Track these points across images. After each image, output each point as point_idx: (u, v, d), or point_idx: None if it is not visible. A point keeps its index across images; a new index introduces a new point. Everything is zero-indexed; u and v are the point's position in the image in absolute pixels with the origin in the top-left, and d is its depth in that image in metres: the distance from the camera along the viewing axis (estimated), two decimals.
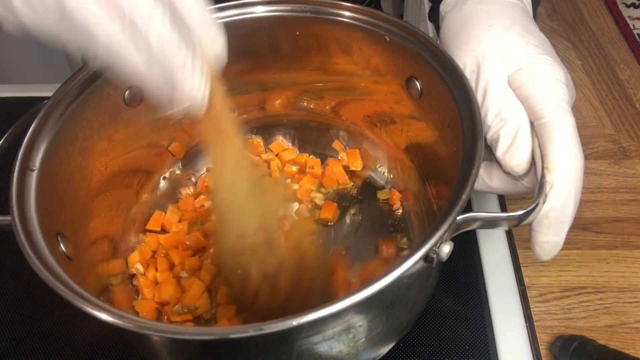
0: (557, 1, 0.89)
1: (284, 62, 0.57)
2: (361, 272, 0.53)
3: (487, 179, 0.45)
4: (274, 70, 0.58)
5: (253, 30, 0.54)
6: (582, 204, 0.60)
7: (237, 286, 0.47)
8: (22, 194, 0.40)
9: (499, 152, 0.43)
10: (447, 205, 0.37)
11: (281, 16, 0.53)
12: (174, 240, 0.55)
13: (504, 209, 0.60)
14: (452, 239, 0.37)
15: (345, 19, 0.51)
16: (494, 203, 0.61)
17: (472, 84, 0.44)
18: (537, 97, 0.41)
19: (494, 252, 0.56)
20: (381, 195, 0.59)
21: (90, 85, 0.47)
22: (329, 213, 0.57)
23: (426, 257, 0.35)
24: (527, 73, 0.42)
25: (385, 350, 0.47)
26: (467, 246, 0.57)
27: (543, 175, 0.40)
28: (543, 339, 0.51)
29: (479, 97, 0.44)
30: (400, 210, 0.58)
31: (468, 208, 0.52)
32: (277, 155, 0.62)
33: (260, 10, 0.53)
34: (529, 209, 0.38)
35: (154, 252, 0.55)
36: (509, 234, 0.58)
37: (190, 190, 0.60)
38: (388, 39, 0.49)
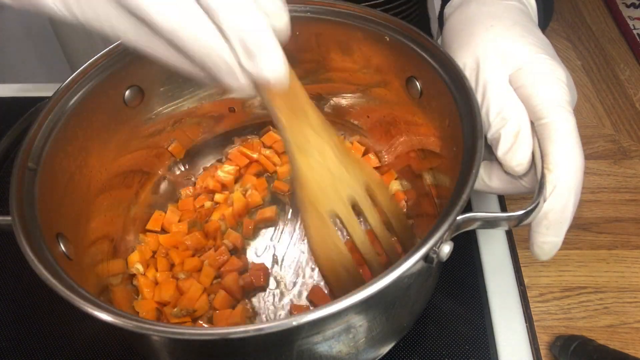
0: (557, 1, 0.89)
1: None
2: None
3: (486, 178, 0.45)
4: None
5: None
6: (582, 204, 0.60)
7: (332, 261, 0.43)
8: (22, 194, 0.40)
9: (500, 152, 0.43)
10: (447, 205, 0.37)
11: None
12: (174, 240, 0.55)
13: (504, 209, 0.60)
14: (452, 239, 0.37)
15: (345, 19, 0.51)
16: (494, 203, 0.61)
17: (472, 83, 0.44)
18: (537, 97, 0.41)
19: (494, 252, 0.56)
20: None
21: (90, 85, 0.47)
22: None
23: (426, 257, 0.35)
24: (527, 73, 0.42)
25: (385, 350, 0.47)
26: (467, 246, 0.57)
27: (543, 176, 0.39)
28: (543, 339, 0.51)
29: (479, 96, 0.44)
30: (404, 210, 0.58)
31: (468, 208, 0.52)
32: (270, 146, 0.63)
33: None
34: (529, 209, 0.38)
35: (154, 252, 0.55)
36: (509, 234, 0.58)
37: (190, 190, 0.60)
38: (388, 39, 0.49)
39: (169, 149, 0.58)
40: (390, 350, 0.47)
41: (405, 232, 0.46)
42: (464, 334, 0.51)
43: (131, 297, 0.52)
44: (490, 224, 0.39)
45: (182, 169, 0.61)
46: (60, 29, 1.16)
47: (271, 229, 0.58)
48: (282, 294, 0.52)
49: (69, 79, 0.47)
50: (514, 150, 0.42)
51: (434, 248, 0.36)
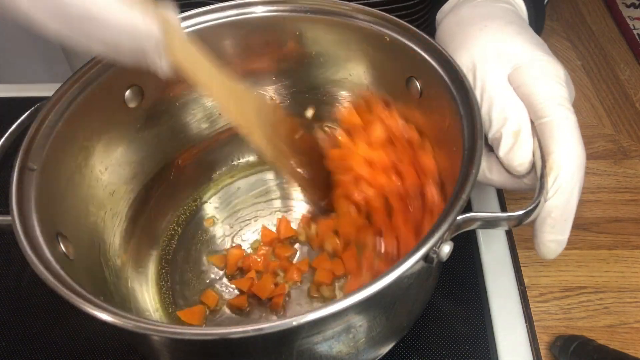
0: (557, 1, 0.89)
1: (283, 63, 0.57)
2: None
3: (487, 171, 0.45)
4: (273, 71, 0.58)
5: (253, 30, 0.54)
6: (582, 204, 0.60)
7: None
8: (22, 194, 0.40)
9: (502, 152, 0.43)
10: (447, 205, 0.37)
11: (281, 16, 0.53)
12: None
13: (504, 209, 0.60)
14: (452, 239, 0.37)
15: (345, 19, 0.51)
16: (494, 203, 0.61)
17: (470, 82, 0.44)
18: (538, 96, 0.41)
19: (494, 252, 0.56)
20: None
21: (90, 85, 0.47)
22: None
23: (426, 257, 0.35)
24: (526, 71, 0.42)
25: (385, 350, 0.47)
26: (467, 246, 0.57)
27: (543, 175, 0.40)
28: (543, 339, 0.51)
29: (478, 96, 0.44)
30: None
31: (468, 208, 0.52)
32: None
33: (260, 10, 0.53)
34: (529, 208, 0.38)
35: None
36: (509, 234, 0.58)
37: None
38: (388, 39, 0.49)
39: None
40: (390, 350, 0.47)
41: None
42: (464, 334, 0.51)
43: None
44: (490, 224, 0.39)
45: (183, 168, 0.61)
46: None
47: None
48: None
49: (69, 79, 0.47)
50: (515, 149, 0.42)
51: (434, 248, 0.36)
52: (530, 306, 0.53)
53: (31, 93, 0.76)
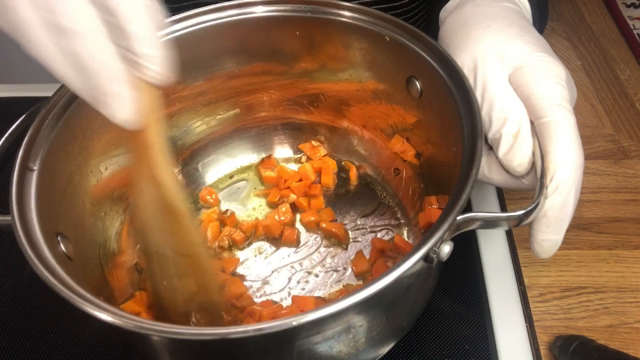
0: (557, 1, 0.89)
1: (283, 63, 0.57)
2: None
3: (486, 170, 0.45)
4: (274, 71, 0.58)
5: (253, 30, 0.54)
6: (582, 204, 0.60)
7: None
8: (22, 194, 0.40)
9: (501, 153, 0.43)
10: (447, 205, 0.37)
11: (281, 16, 0.53)
12: None
13: (504, 209, 0.60)
14: (452, 239, 0.37)
15: (345, 19, 0.51)
16: (494, 203, 0.61)
17: (471, 82, 0.44)
18: (537, 96, 0.41)
19: (494, 252, 0.56)
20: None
21: None
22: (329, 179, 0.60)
23: (426, 257, 0.35)
24: (527, 72, 0.42)
25: (385, 350, 0.47)
26: (467, 246, 0.57)
27: (543, 175, 0.39)
28: (543, 339, 0.51)
29: (478, 96, 0.44)
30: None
31: (468, 208, 0.53)
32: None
33: (260, 10, 0.53)
34: (529, 208, 0.38)
35: None
36: (509, 234, 0.58)
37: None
38: (388, 39, 0.49)
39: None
40: (390, 350, 0.47)
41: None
42: (464, 334, 0.51)
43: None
44: (490, 224, 0.39)
45: (182, 169, 0.61)
46: None
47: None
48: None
49: None
50: (515, 150, 0.42)
51: (434, 248, 0.36)
52: (530, 306, 0.53)
53: (31, 93, 0.76)
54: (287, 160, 0.64)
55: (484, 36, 0.45)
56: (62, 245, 0.41)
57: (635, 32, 0.81)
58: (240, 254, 0.56)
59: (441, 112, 0.47)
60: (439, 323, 0.51)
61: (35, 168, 0.42)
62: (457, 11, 0.50)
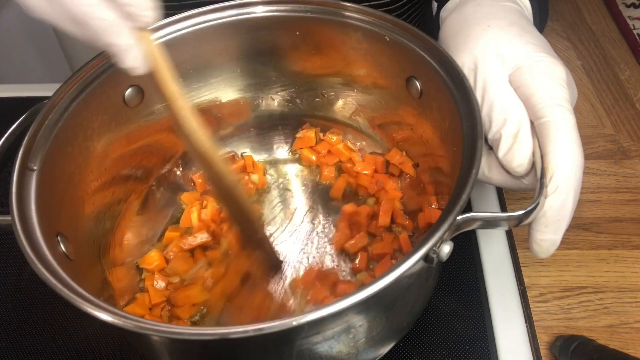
0: (557, 1, 0.89)
1: (283, 62, 0.57)
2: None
3: (486, 169, 0.45)
4: (274, 71, 0.58)
5: (253, 30, 0.54)
6: (582, 204, 0.60)
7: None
8: (22, 194, 0.40)
9: (501, 153, 0.43)
10: (447, 205, 0.37)
11: (281, 16, 0.53)
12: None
13: (504, 209, 0.60)
14: (452, 239, 0.37)
15: (345, 19, 0.51)
16: (494, 203, 0.61)
17: (471, 82, 0.44)
18: (536, 96, 0.41)
19: (494, 252, 0.56)
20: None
21: (90, 85, 0.47)
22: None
23: (426, 257, 0.35)
24: (527, 72, 0.42)
25: (385, 350, 0.47)
26: (467, 246, 0.57)
27: (543, 175, 0.39)
28: (543, 339, 0.51)
29: (478, 97, 0.44)
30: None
31: (468, 208, 0.53)
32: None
33: (260, 10, 0.53)
34: (529, 208, 0.38)
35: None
36: (509, 234, 0.58)
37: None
38: (388, 39, 0.49)
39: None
40: (390, 350, 0.47)
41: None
42: (464, 334, 0.51)
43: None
44: (490, 224, 0.39)
45: (182, 169, 0.61)
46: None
47: None
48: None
49: (69, 79, 0.47)
50: (514, 150, 0.42)
51: (434, 248, 0.36)
52: (530, 306, 0.53)
53: (31, 93, 0.76)
54: (285, 161, 0.64)
55: (484, 36, 0.45)
56: (62, 245, 0.41)
57: (635, 32, 0.81)
58: None
59: (441, 112, 0.47)
60: (439, 323, 0.51)
61: (35, 168, 0.42)
62: (458, 11, 0.50)
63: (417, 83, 0.50)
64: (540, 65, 0.43)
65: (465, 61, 0.45)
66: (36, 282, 0.35)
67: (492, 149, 0.44)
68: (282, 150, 0.64)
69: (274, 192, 0.61)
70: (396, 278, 0.33)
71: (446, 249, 0.36)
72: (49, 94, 0.45)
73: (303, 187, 0.61)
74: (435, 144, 0.51)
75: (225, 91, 0.59)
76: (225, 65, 0.57)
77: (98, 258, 0.49)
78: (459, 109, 0.43)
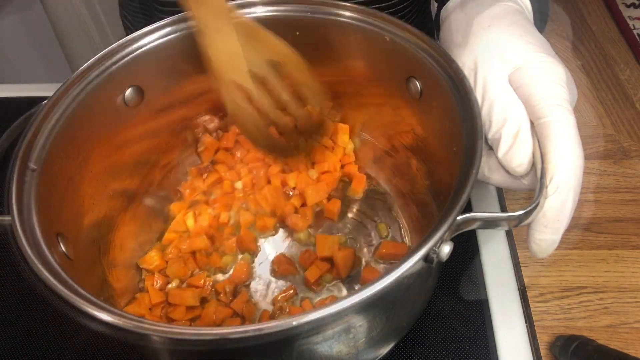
0: (557, 1, 0.89)
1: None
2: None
3: (486, 170, 0.45)
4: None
5: None
6: (582, 204, 0.60)
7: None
8: (22, 194, 0.40)
9: (501, 153, 0.43)
10: (447, 205, 0.37)
11: (281, 16, 0.53)
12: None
13: (504, 209, 0.60)
14: (452, 239, 0.37)
15: (345, 19, 0.51)
16: (494, 203, 0.61)
17: (471, 82, 0.44)
18: (536, 96, 0.41)
19: (494, 252, 0.56)
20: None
21: (90, 85, 0.47)
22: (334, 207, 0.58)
23: (426, 257, 0.35)
24: (527, 72, 0.42)
25: (385, 350, 0.47)
26: (467, 246, 0.57)
27: (543, 175, 0.39)
28: (543, 339, 0.51)
29: (478, 97, 0.44)
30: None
31: (468, 208, 0.52)
32: None
33: (260, 10, 0.53)
34: (529, 209, 0.38)
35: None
36: (509, 234, 0.58)
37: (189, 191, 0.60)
38: (388, 39, 0.49)
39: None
40: (390, 350, 0.47)
41: (317, 98, 0.53)
42: (464, 334, 0.51)
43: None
44: (490, 224, 0.39)
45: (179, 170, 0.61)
46: (61, 29, 1.16)
47: None
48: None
49: (69, 79, 0.47)
50: (514, 150, 0.42)
51: (434, 248, 0.36)
52: (530, 306, 0.53)
53: (31, 93, 0.76)
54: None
55: (485, 36, 0.45)
56: (62, 245, 0.41)
57: (635, 32, 0.81)
58: None
59: (441, 112, 0.47)
60: (439, 323, 0.51)
61: (35, 168, 0.42)
62: (458, 10, 0.50)
63: (417, 83, 0.49)
64: (540, 65, 0.43)
65: (465, 61, 0.45)
66: (36, 282, 0.35)
67: (492, 149, 0.44)
68: None
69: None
70: (396, 278, 0.33)
71: (446, 249, 0.36)
72: (49, 94, 0.45)
73: None
74: (435, 144, 0.51)
75: None
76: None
77: (98, 258, 0.49)
78: (459, 109, 0.43)
